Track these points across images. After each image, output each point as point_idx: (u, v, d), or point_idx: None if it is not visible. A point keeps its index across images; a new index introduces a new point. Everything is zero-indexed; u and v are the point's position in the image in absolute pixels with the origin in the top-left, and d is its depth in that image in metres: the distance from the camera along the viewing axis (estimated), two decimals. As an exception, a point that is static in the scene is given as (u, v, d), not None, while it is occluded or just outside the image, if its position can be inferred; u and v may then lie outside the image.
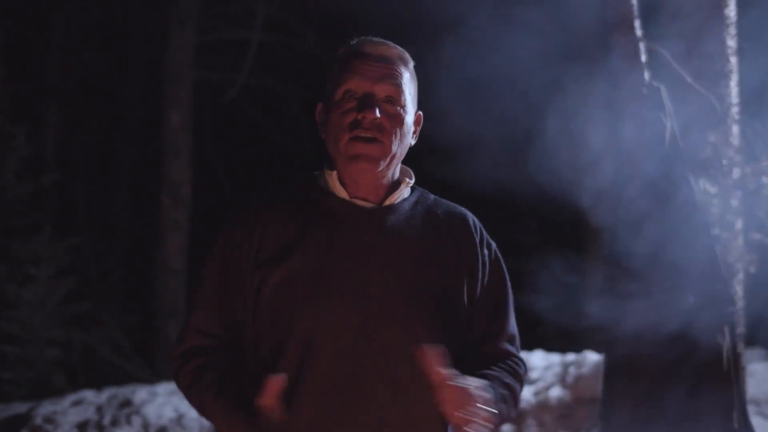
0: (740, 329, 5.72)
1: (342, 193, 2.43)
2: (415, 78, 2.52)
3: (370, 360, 2.28)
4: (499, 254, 2.55)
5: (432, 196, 2.57)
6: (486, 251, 2.51)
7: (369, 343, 2.27)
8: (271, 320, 2.33)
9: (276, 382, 2.17)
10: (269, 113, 13.64)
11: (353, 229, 2.38)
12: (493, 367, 2.40)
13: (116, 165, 14.86)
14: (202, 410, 2.37)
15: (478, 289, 2.46)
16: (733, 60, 5.88)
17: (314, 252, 2.34)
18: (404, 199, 2.49)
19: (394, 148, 2.40)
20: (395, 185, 2.48)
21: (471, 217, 2.56)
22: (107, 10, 13.62)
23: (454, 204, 2.58)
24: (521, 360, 2.51)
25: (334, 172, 2.44)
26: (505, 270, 2.55)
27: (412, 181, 2.53)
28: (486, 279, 2.48)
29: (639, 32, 5.47)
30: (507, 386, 2.39)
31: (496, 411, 2.23)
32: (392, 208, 2.45)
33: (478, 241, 2.50)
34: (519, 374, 2.46)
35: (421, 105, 2.56)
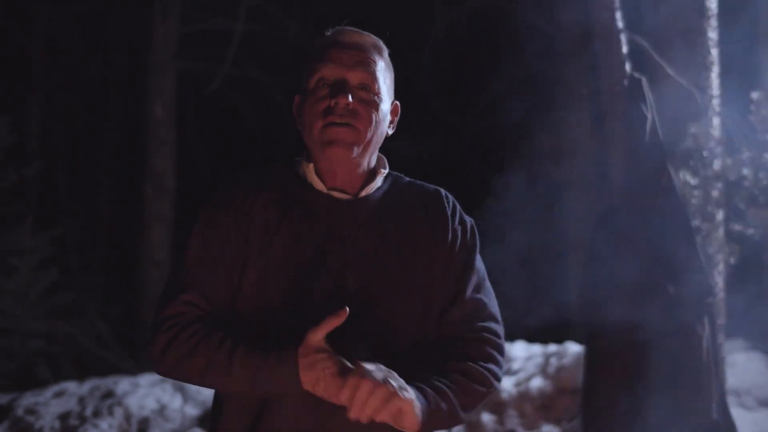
0: (720, 320, 5.75)
1: (319, 184, 2.42)
2: (391, 67, 2.51)
3: (351, 355, 2.27)
4: (475, 230, 2.53)
5: (406, 179, 2.56)
6: (459, 226, 2.49)
7: (350, 333, 2.25)
8: (249, 315, 2.32)
9: (338, 318, 2.17)
10: (253, 104, 13.62)
11: (330, 222, 2.37)
12: (455, 350, 2.37)
13: (99, 156, 14.80)
14: (208, 370, 2.25)
15: (452, 264, 2.44)
16: (714, 52, 5.90)
17: (294, 244, 2.34)
18: (378, 188, 2.48)
19: (369, 134, 2.39)
20: (371, 175, 2.48)
21: (444, 192, 2.54)
22: (90, 0, 13.56)
23: (427, 184, 2.57)
24: (493, 332, 2.44)
25: (311, 164, 2.43)
26: (477, 246, 2.51)
27: (387, 170, 2.52)
28: (459, 253, 2.46)
29: (620, 24, 5.48)
30: (452, 381, 2.32)
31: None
32: (368, 198, 2.44)
33: (450, 215, 2.48)
34: (487, 352, 2.40)
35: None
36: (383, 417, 2.15)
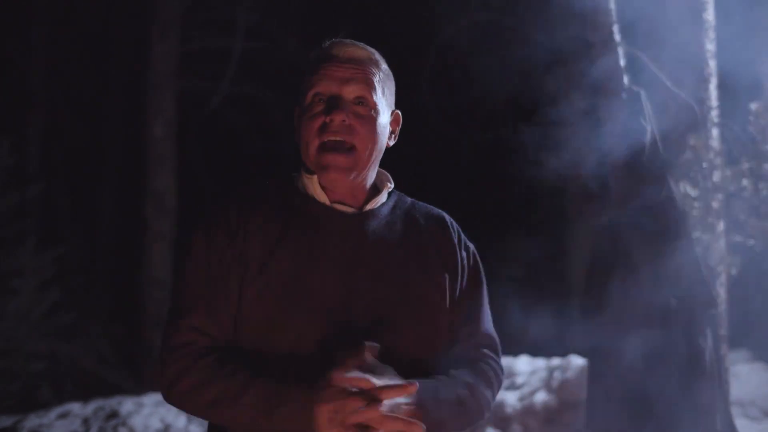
0: (723, 331, 5.74)
1: (322, 197, 2.39)
2: (391, 77, 2.49)
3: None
4: (477, 256, 2.54)
5: (409, 199, 2.55)
6: (464, 253, 2.50)
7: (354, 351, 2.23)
8: (254, 330, 2.28)
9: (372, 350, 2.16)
10: (253, 121, 13.64)
11: (334, 236, 2.34)
12: (453, 371, 2.37)
13: (100, 175, 14.82)
14: (219, 401, 2.20)
15: (458, 290, 2.44)
16: (712, 63, 5.91)
17: (297, 259, 2.30)
18: (383, 204, 2.46)
19: (366, 151, 2.36)
20: (374, 189, 2.47)
21: (449, 219, 2.54)
22: (89, 21, 13.59)
23: (431, 206, 2.57)
24: (497, 362, 2.49)
25: (314, 177, 2.39)
26: (482, 273, 2.53)
27: (392, 186, 2.51)
28: (465, 281, 2.47)
29: (618, 37, 5.50)
30: (458, 388, 2.34)
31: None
32: (372, 213, 2.42)
33: (456, 242, 2.49)
34: (488, 376, 2.43)
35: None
36: None
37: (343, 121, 2.32)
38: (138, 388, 10.04)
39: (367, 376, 2.13)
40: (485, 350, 2.47)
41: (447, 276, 2.43)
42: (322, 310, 2.28)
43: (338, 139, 2.32)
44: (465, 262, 2.49)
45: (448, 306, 2.42)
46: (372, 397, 2.11)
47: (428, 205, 2.57)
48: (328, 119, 2.31)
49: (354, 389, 2.11)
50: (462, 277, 2.47)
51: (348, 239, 2.35)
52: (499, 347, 2.52)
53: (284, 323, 2.27)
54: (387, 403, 2.13)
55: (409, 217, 2.48)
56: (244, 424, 2.22)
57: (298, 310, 2.27)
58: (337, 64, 2.37)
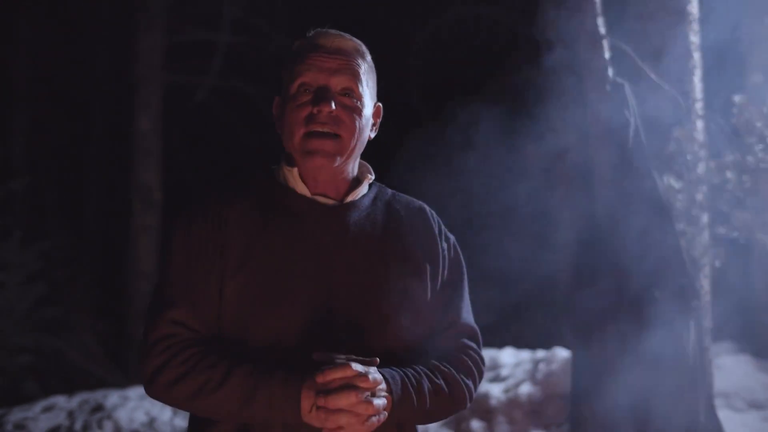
0: (706, 323, 5.76)
1: (303, 189, 2.39)
2: (374, 69, 2.49)
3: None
4: (458, 247, 2.55)
5: (389, 191, 2.55)
6: (445, 244, 2.51)
7: (334, 342, 2.25)
8: (235, 322, 2.29)
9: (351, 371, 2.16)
10: (239, 115, 13.62)
11: (315, 228, 2.35)
12: (433, 361, 2.39)
13: (86, 169, 14.78)
14: (201, 391, 2.20)
15: (439, 282, 2.45)
16: (697, 56, 5.92)
17: (277, 251, 2.31)
18: (364, 195, 2.47)
19: (352, 142, 2.37)
20: (355, 181, 2.47)
21: (429, 210, 2.56)
22: (74, 14, 13.54)
23: (411, 198, 2.57)
24: (478, 353, 2.49)
25: (295, 169, 2.40)
26: (463, 263, 2.55)
27: (373, 177, 2.52)
28: (445, 272, 2.48)
29: (602, 29, 5.50)
30: (438, 378, 2.35)
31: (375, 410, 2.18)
32: (353, 204, 2.42)
33: (437, 233, 2.50)
34: (468, 365, 2.44)
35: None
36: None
37: (330, 112, 2.32)
38: (124, 381, 10.03)
39: (350, 362, 2.15)
40: (466, 341, 2.48)
41: (428, 267, 2.44)
42: (303, 301, 2.28)
43: (325, 130, 2.33)
44: (445, 253, 2.50)
45: (428, 296, 2.43)
46: (354, 384, 2.12)
47: (408, 197, 2.58)
48: (315, 110, 2.32)
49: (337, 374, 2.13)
50: (443, 268, 2.48)
51: (329, 231, 2.36)
52: (480, 338, 2.53)
53: (265, 315, 2.27)
54: (366, 389, 2.15)
55: (389, 209, 2.49)
56: (227, 412, 2.22)
57: (279, 301, 2.28)
58: (324, 55, 2.37)
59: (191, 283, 2.30)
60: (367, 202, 2.46)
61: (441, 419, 2.42)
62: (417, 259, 2.43)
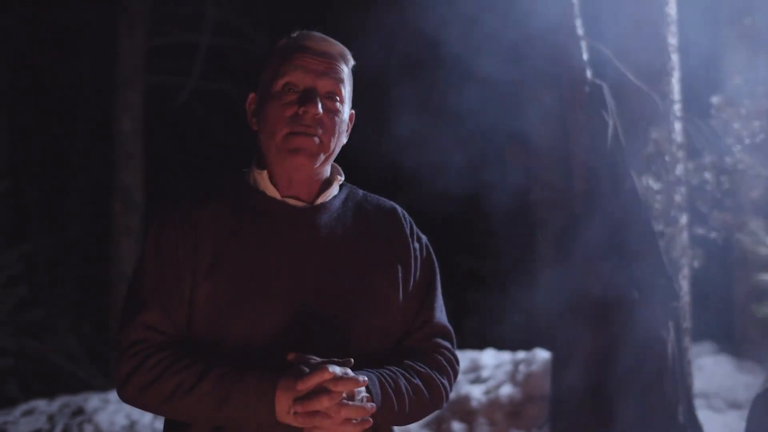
0: (686, 324, 5.78)
1: (273, 192, 2.39)
2: (352, 77, 2.50)
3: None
4: (430, 247, 2.55)
5: (360, 192, 2.55)
6: (417, 244, 2.50)
7: (307, 344, 2.24)
8: (207, 326, 2.29)
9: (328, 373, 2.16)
10: (221, 116, 13.60)
11: (285, 230, 2.35)
12: (407, 361, 2.38)
13: (68, 171, 14.73)
14: (174, 394, 2.20)
15: (411, 282, 2.45)
16: (675, 57, 5.94)
17: (249, 254, 2.31)
18: (334, 197, 2.47)
19: (332, 144, 2.38)
20: (326, 183, 2.46)
21: (400, 210, 2.55)
22: (56, 15, 13.50)
23: (383, 198, 2.57)
24: (451, 352, 2.49)
25: (265, 171, 2.40)
26: (435, 263, 2.54)
27: (342, 179, 2.51)
28: (418, 272, 2.48)
29: (581, 31, 5.51)
30: (414, 378, 2.35)
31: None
32: (324, 206, 2.42)
33: (408, 233, 2.50)
34: (443, 365, 2.43)
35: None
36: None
37: (316, 114, 2.32)
38: (106, 384, 9.99)
39: (326, 365, 2.15)
40: (439, 340, 2.47)
41: (399, 267, 2.44)
42: (275, 303, 2.28)
43: (309, 132, 2.33)
44: (417, 253, 2.50)
45: (401, 297, 2.42)
46: (328, 388, 2.12)
47: (380, 197, 2.57)
48: (301, 110, 2.32)
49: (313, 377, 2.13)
50: (415, 268, 2.48)
51: (299, 233, 2.36)
52: (454, 337, 2.53)
53: (237, 317, 2.27)
54: (344, 392, 2.15)
55: (360, 210, 2.49)
56: (202, 414, 2.22)
57: (251, 304, 2.28)
58: (311, 56, 2.37)
59: (163, 287, 2.30)
60: (337, 203, 2.46)
61: (418, 419, 2.41)
62: (388, 259, 2.42)
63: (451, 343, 2.51)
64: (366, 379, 2.19)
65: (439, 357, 2.45)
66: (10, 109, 13.34)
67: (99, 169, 13.51)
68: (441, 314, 2.52)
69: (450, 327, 2.53)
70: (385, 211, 2.52)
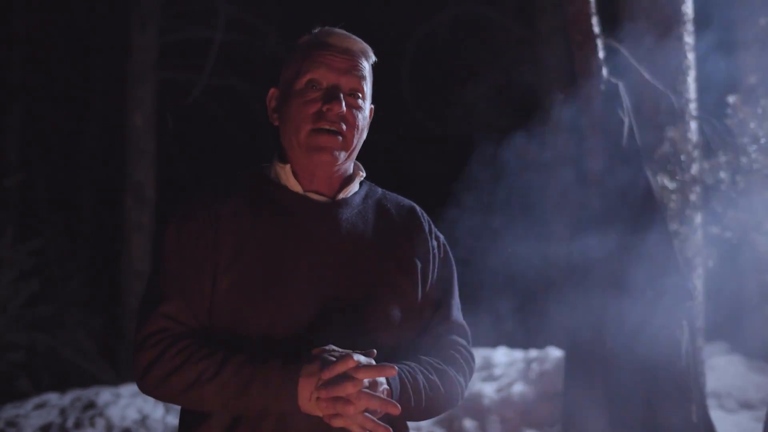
0: (699, 323, 5.76)
1: (296, 186, 2.41)
2: (372, 73, 2.51)
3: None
4: (447, 246, 2.57)
5: (380, 190, 2.57)
6: (435, 242, 2.53)
7: (327, 339, 2.25)
8: (228, 318, 2.29)
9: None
10: (233, 113, 13.61)
11: (307, 223, 2.36)
12: (424, 357, 2.39)
13: (80, 166, 14.75)
14: (196, 382, 2.20)
15: (429, 280, 2.47)
16: (691, 56, 5.92)
17: (269, 248, 2.32)
18: (355, 193, 2.49)
19: (355, 140, 2.40)
20: (348, 179, 2.48)
21: (419, 209, 2.58)
22: (69, 12, 13.53)
23: (402, 197, 2.60)
24: (467, 349, 2.51)
25: (288, 165, 2.42)
26: (452, 262, 2.57)
27: (364, 175, 2.53)
28: (435, 270, 2.50)
29: (597, 29, 5.50)
30: (432, 374, 2.36)
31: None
32: (345, 201, 2.44)
33: (427, 232, 2.52)
34: (459, 362, 2.45)
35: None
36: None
37: (341, 112, 2.35)
38: (116, 378, 10.01)
39: (351, 353, 2.16)
40: (455, 337, 2.49)
41: (418, 264, 2.46)
42: (295, 297, 2.30)
43: (333, 128, 2.35)
44: (435, 251, 2.52)
45: (419, 293, 2.44)
46: (352, 375, 2.13)
47: (399, 196, 2.60)
48: (325, 108, 2.34)
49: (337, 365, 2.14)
50: (433, 265, 2.50)
51: (321, 227, 2.38)
52: (469, 335, 2.54)
53: (257, 310, 2.28)
54: (366, 382, 2.15)
55: (380, 207, 2.51)
56: (223, 402, 2.22)
57: (271, 297, 2.29)
58: (334, 54, 2.39)
59: (183, 278, 2.31)
60: (358, 199, 2.48)
61: (435, 415, 2.43)
62: (408, 255, 2.44)
63: (467, 341, 2.53)
64: (392, 368, 2.19)
65: (456, 354, 2.46)
66: (22, 105, 13.35)
67: (110, 165, 13.54)
68: (458, 312, 2.53)
69: (466, 325, 2.54)
70: (405, 209, 2.55)
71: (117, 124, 12.56)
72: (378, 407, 2.16)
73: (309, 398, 2.15)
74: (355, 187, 2.49)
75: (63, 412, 7.44)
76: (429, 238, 2.52)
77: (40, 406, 7.63)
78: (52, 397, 7.87)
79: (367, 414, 2.15)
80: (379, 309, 2.35)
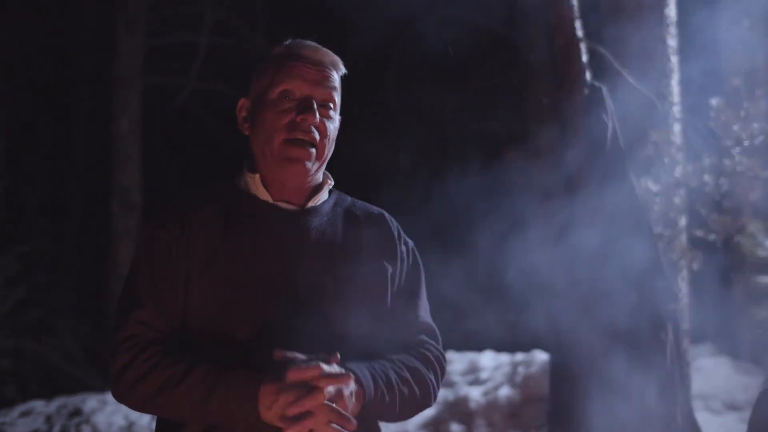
0: (685, 326, 5.78)
1: (265, 195, 2.44)
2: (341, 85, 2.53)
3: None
4: (416, 252, 2.60)
5: (349, 198, 2.61)
6: (404, 247, 2.56)
7: (299, 344, 2.26)
8: (201, 324, 2.32)
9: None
10: (219, 117, 13.58)
11: (277, 232, 2.39)
12: (395, 356, 2.41)
13: (67, 172, 14.71)
14: (163, 389, 2.22)
15: (397, 283, 2.50)
16: (674, 59, 5.94)
17: (240, 256, 2.35)
18: (324, 201, 2.52)
19: (326, 151, 2.44)
20: (317, 188, 2.51)
21: (388, 216, 2.61)
22: (54, 15, 13.49)
23: (370, 204, 2.63)
24: (437, 348, 2.53)
25: (257, 175, 2.45)
26: (421, 267, 2.60)
27: (332, 184, 2.56)
28: (404, 274, 2.53)
29: (580, 33, 5.51)
30: (404, 371, 2.38)
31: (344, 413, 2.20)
32: (315, 210, 2.47)
33: (396, 237, 2.56)
34: (430, 360, 2.47)
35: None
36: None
37: (314, 122, 2.38)
38: (104, 384, 9.98)
39: (315, 362, 2.18)
40: (424, 337, 2.52)
41: (387, 268, 2.49)
42: (267, 304, 2.32)
43: (306, 138, 2.38)
44: (404, 255, 2.55)
45: (388, 297, 2.48)
46: (313, 385, 2.16)
47: (367, 204, 2.63)
48: (299, 118, 2.37)
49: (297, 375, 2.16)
50: (401, 269, 2.53)
51: (291, 235, 2.40)
52: (439, 337, 2.57)
53: (229, 318, 2.31)
54: (331, 389, 2.18)
55: (349, 214, 2.54)
56: (188, 410, 2.24)
57: (243, 304, 2.32)
58: (308, 65, 2.43)
59: (156, 285, 2.34)
60: (327, 207, 2.51)
61: (407, 416, 2.44)
62: (376, 261, 2.47)
63: (437, 342, 2.55)
64: (353, 374, 2.23)
65: (426, 353, 2.49)
66: (8, 109, 13.31)
67: (97, 170, 13.49)
68: (426, 314, 2.57)
69: (435, 327, 2.57)
70: (374, 216, 2.58)
71: (104, 130, 12.53)
72: (337, 421, 2.17)
73: (270, 406, 2.17)
74: (324, 195, 2.52)
75: (49, 419, 7.42)
76: (398, 243, 2.55)
77: (26, 414, 7.60)
78: (38, 405, 7.85)
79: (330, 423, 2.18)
80: (350, 313, 2.37)
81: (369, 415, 2.30)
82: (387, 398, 2.31)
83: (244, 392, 2.18)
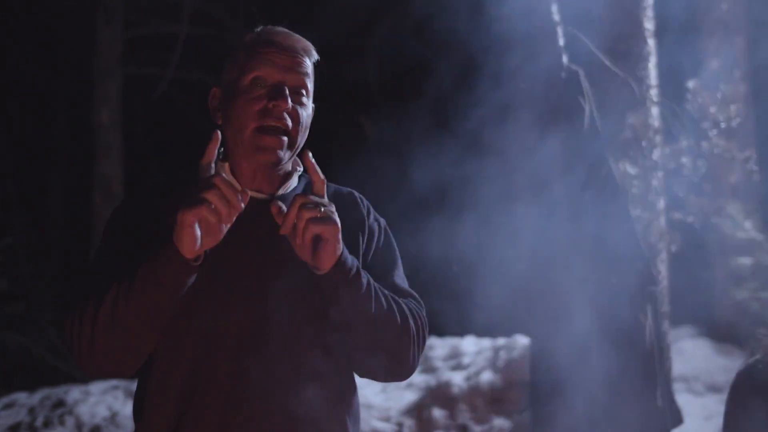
0: (664, 308, 5.79)
1: (235, 184, 2.37)
2: (314, 71, 2.52)
3: (271, 349, 2.27)
4: (388, 230, 2.59)
5: None
6: (375, 224, 2.55)
7: (269, 333, 2.26)
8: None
9: (215, 139, 2.18)
10: (200, 107, 13.55)
11: (248, 221, 2.34)
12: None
13: (47, 163, 14.67)
14: (115, 310, 2.15)
15: (370, 263, 2.48)
16: (651, 42, 5.94)
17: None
18: (294, 188, 2.50)
19: (299, 139, 2.41)
20: (287, 175, 2.50)
21: (358, 195, 2.60)
22: (33, 7, 13.43)
23: (340, 186, 2.61)
24: (420, 305, 2.46)
25: (226, 164, 2.44)
26: (395, 245, 2.58)
27: (301, 170, 2.54)
28: (377, 254, 2.51)
29: (557, 16, 5.50)
30: (386, 292, 2.35)
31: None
32: (285, 197, 2.45)
33: (366, 215, 2.55)
34: (413, 305, 2.41)
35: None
36: (306, 236, 2.16)
37: (287, 108, 2.35)
38: (87, 376, 9.96)
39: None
40: (408, 299, 2.46)
41: (360, 248, 2.47)
42: (237, 291, 2.31)
43: (278, 125, 2.35)
44: (376, 234, 2.54)
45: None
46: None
47: (337, 185, 2.61)
48: (271, 105, 2.34)
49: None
50: (376, 247, 2.52)
51: (261, 224, 2.37)
52: (422, 303, 2.50)
53: (199, 305, 2.29)
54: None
55: None
56: (143, 311, 2.17)
57: (213, 292, 2.30)
58: (279, 51, 2.40)
59: (121, 268, 2.25)
60: (297, 194, 2.47)
61: (383, 335, 2.33)
62: (349, 241, 2.41)
63: (420, 305, 2.48)
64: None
65: (409, 304, 2.42)
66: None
67: (78, 161, 13.46)
68: (404, 283, 2.52)
69: (417, 295, 2.51)
70: (344, 198, 2.56)
71: (84, 120, 12.49)
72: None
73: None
74: (294, 182, 2.51)
75: (32, 411, 7.41)
76: (367, 219, 2.54)
77: (8, 406, 7.59)
78: (21, 397, 7.83)
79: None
80: (323, 303, 2.32)
81: (343, 297, 2.24)
82: (363, 288, 2.26)
83: (163, 247, 2.15)
